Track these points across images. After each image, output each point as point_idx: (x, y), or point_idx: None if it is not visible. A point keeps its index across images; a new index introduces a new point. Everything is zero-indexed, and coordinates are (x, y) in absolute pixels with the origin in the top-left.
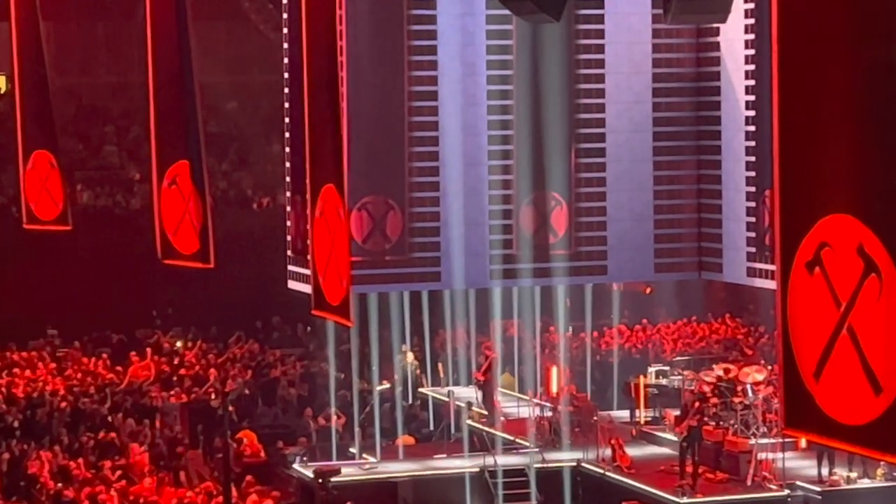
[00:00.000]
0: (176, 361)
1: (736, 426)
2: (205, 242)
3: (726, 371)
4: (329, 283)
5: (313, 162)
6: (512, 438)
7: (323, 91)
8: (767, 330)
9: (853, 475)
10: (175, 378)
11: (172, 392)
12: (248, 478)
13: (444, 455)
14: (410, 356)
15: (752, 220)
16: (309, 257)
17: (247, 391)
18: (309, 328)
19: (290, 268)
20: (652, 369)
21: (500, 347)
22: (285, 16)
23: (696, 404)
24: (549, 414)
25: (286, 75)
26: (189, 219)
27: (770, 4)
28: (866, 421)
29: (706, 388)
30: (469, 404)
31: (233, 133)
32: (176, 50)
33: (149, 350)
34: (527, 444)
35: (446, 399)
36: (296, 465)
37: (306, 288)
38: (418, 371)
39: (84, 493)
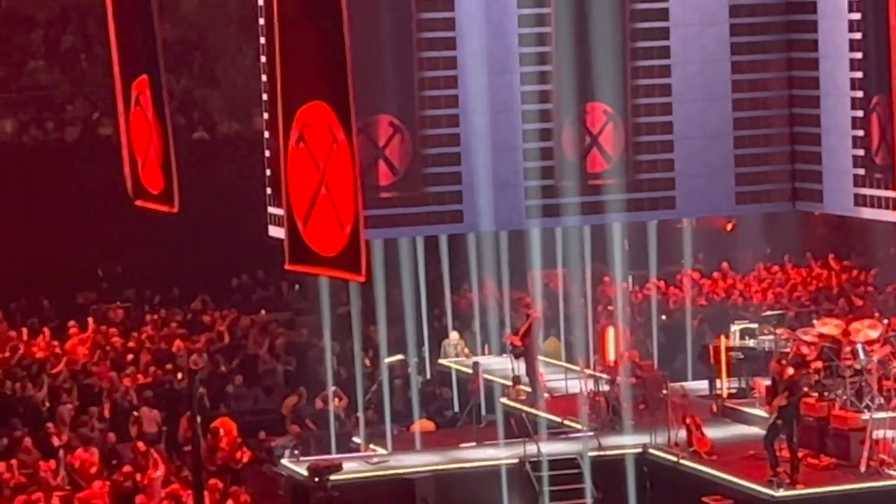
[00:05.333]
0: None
1: (845, 397)
2: (168, 180)
3: (831, 328)
4: (316, 228)
5: (287, 72)
6: (559, 420)
7: None
8: (882, 274)
9: None
10: (128, 354)
11: (126, 372)
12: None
13: (474, 443)
14: (455, 336)
15: (860, 133)
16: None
17: (222, 368)
18: (297, 286)
19: (271, 210)
20: (735, 328)
21: (541, 305)
22: None
23: (788, 373)
24: (606, 388)
25: None
26: (155, 149)
27: None
28: None
29: (805, 350)
30: (515, 379)
31: (192, 39)
32: None
33: (90, 319)
34: (578, 426)
35: (473, 373)
36: (285, 461)
37: None
38: (467, 353)
39: None
